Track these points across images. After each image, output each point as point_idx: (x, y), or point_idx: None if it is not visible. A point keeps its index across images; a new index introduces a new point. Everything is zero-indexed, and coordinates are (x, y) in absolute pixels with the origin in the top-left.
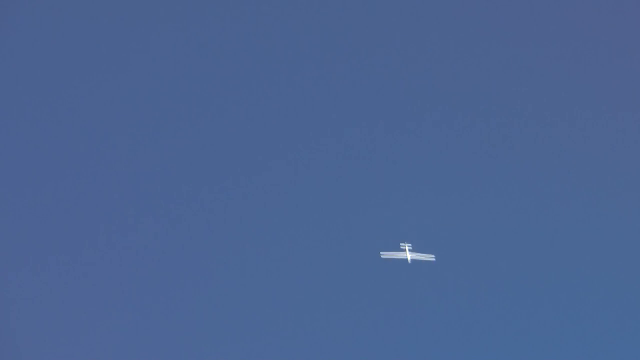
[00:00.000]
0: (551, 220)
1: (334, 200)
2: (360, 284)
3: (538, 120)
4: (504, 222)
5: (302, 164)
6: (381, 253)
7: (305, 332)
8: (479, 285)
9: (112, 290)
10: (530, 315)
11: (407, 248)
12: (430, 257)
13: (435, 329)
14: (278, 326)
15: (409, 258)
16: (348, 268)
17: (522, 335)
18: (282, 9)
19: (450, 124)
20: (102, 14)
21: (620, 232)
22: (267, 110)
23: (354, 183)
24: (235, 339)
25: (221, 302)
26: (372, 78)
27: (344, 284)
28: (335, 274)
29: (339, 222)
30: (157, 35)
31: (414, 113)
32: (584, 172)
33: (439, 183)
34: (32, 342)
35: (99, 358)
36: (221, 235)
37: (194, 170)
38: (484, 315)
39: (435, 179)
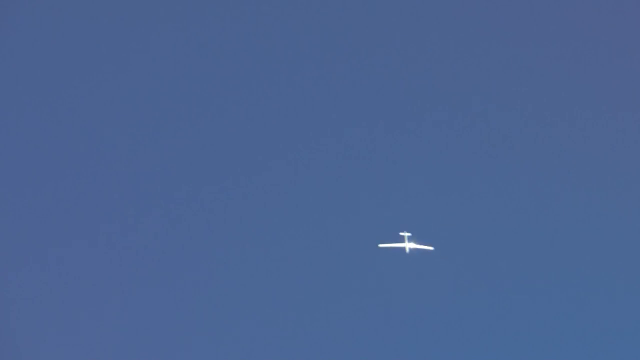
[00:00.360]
0: (549, 214)
1: (333, 193)
2: (358, 275)
3: (535, 114)
4: (502, 215)
5: (300, 158)
6: (380, 244)
7: (303, 323)
8: (477, 277)
9: (112, 290)
10: (529, 308)
11: (406, 237)
12: (428, 248)
13: (433, 321)
14: (275, 318)
15: (407, 248)
16: (346, 259)
17: (519, 329)
18: (282, 9)
19: (449, 118)
20: (102, 14)
21: (613, 224)
22: (264, 105)
23: (352, 176)
24: (233, 329)
25: (219, 295)
26: (367, 73)
27: (343, 275)
28: (334, 265)
29: (338, 214)
30: (157, 34)
31: (412, 108)
32: (580, 164)
33: (437, 175)
34: (32, 342)
35: (99, 358)
36: (219, 229)
37: (192, 168)
38: (481, 307)
39: (434, 172)
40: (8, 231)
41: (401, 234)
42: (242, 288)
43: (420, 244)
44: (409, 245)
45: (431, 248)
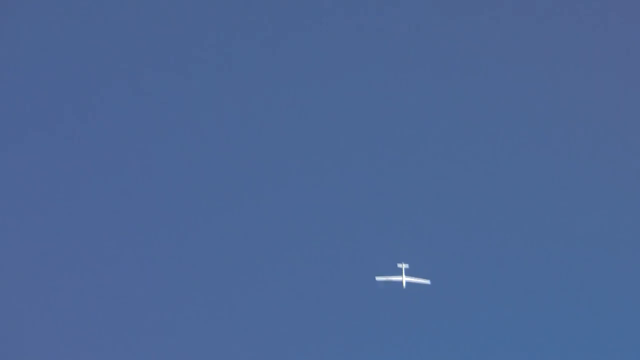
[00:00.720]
0: (552, 248)
1: (331, 220)
2: (355, 307)
3: (548, 148)
4: (502, 247)
5: (297, 183)
6: (376, 277)
7: (299, 353)
8: (474, 311)
9: (111, 293)
10: (526, 342)
11: (403, 269)
12: (425, 281)
13: (429, 354)
14: (271, 350)
15: (403, 282)
16: (343, 291)
17: None
18: (282, 10)
19: (450, 144)
20: (101, 13)
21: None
22: (259, 125)
23: (351, 203)
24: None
25: (213, 323)
26: (370, 90)
27: (340, 308)
28: (331, 297)
29: (335, 243)
30: (156, 35)
31: (410, 133)
32: (587, 197)
33: (438, 206)
34: (32, 342)
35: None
36: (211, 254)
37: (190, 190)
38: (478, 341)
39: (434, 201)
40: (8, 231)
41: (399, 265)
42: (232, 312)
43: (417, 278)
44: (405, 279)
45: (428, 282)
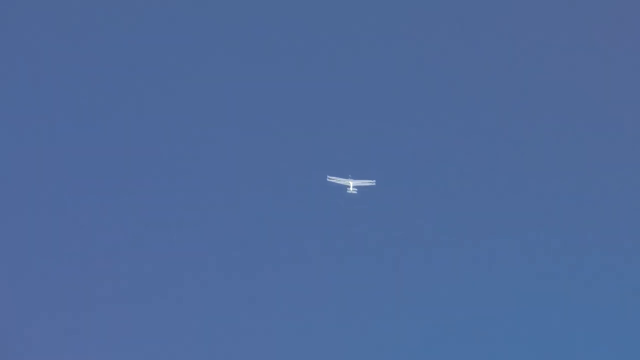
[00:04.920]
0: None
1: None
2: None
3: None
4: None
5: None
6: (328, 177)
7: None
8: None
9: (110, 290)
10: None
11: (351, 185)
12: (371, 182)
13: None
14: None
15: (351, 186)
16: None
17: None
18: (280, 10)
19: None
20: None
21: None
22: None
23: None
24: None
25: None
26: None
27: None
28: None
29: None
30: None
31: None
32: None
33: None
34: (32, 342)
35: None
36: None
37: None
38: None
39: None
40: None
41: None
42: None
43: (363, 180)
44: (352, 183)
45: (373, 182)
